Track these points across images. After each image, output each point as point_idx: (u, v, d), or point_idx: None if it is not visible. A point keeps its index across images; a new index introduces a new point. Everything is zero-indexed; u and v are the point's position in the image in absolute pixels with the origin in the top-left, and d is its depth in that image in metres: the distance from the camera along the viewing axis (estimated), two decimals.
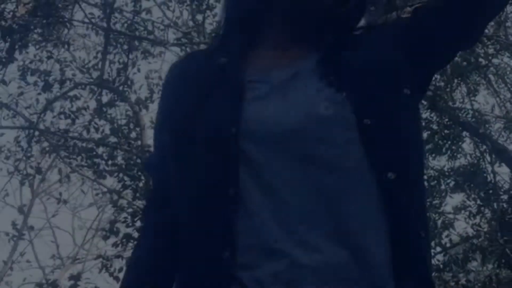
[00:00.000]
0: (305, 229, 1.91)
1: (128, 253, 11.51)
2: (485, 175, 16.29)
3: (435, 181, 16.22)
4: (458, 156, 17.14)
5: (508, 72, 19.88)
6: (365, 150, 1.99)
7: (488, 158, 16.64)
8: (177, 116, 2.16)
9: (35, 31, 12.43)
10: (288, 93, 2.06)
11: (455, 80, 16.51)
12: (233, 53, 2.22)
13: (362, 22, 2.36)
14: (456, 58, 16.24)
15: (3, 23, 11.32)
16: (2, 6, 12.27)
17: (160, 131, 2.31)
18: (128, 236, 11.77)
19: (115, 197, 14.22)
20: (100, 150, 12.52)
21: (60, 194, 15.57)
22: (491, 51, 17.73)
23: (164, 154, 2.20)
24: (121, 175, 12.89)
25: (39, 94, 13.29)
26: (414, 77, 2.17)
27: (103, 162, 12.56)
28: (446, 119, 15.32)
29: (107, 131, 13.65)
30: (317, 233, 1.90)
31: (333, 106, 2.00)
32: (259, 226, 1.93)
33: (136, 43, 12.85)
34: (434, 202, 15.43)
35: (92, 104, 13.44)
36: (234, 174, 1.96)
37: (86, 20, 13.05)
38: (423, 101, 14.38)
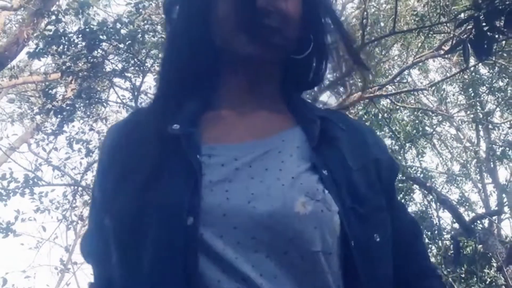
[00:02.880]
0: None
1: None
2: (431, 219, 16.34)
3: None
4: (410, 204, 17.22)
5: (448, 138, 20.11)
6: (343, 263, 1.50)
7: (434, 206, 16.70)
8: (122, 199, 1.51)
9: (80, 109, 12.53)
10: (257, 176, 1.50)
11: (407, 145, 16.66)
12: (187, 118, 1.61)
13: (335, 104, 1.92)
14: (408, 128, 16.52)
15: (55, 103, 11.44)
16: (55, 90, 12.43)
17: (100, 211, 1.61)
18: None
19: None
20: None
21: None
22: (435, 121, 17.99)
23: (104, 239, 1.56)
24: None
25: (82, 158, 13.31)
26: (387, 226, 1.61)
27: None
28: (400, 175, 15.43)
29: None
30: None
31: (313, 204, 1.46)
32: None
33: None
34: None
35: None
36: (192, 276, 1.40)
37: (119, 100, 13.13)
38: None
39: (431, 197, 16.00)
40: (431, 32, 12.96)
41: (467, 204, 18.09)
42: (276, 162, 1.54)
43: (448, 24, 12.02)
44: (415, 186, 16.23)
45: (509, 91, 16.12)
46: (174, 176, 1.48)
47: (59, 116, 11.47)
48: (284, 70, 1.76)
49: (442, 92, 17.77)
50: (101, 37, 10.72)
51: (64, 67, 10.79)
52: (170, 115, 1.60)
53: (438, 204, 16.02)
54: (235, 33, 1.62)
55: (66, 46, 10.67)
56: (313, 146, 1.58)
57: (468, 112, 17.72)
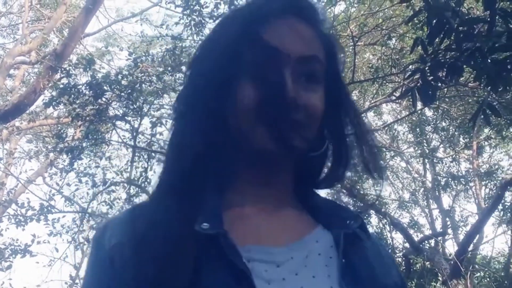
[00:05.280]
0: None
1: None
2: (385, 239, 16.35)
3: None
4: (367, 226, 17.27)
5: (399, 170, 20.16)
6: None
7: (388, 228, 16.70)
8: None
9: (87, 148, 12.56)
10: (308, 286, 1.19)
11: (364, 176, 16.70)
12: (212, 215, 1.24)
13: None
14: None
15: (66, 143, 11.45)
16: (66, 132, 12.46)
17: None
18: None
19: None
20: None
21: None
22: (388, 156, 17.99)
23: None
24: None
25: (89, 189, 13.25)
26: None
27: None
28: (359, 202, 15.40)
29: None
30: None
31: None
32: None
33: (153, 154, 12.91)
34: None
35: (123, 196, 13.53)
36: None
37: (120, 140, 13.16)
38: (343, 190, 14.61)
39: (385, 220, 15.99)
40: (384, 81, 13.01)
41: (416, 226, 18.11)
42: (321, 267, 1.24)
43: (398, 75, 12.09)
44: (372, 211, 16.23)
45: (451, 130, 16.20)
46: (219, 283, 1.13)
47: (69, 154, 11.54)
48: (296, 163, 1.40)
49: (394, 131, 17.86)
50: (105, 87, 10.90)
51: (74, 113, 10.90)
52: (193, 212, 1.23)
53: (391, 226, 16.01)
54: (255, 125, 1.27)
55: (75, 96, 10.79)
56: (342, 252, 1.27)
57: (416, 148, 17.78)
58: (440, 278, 13.10)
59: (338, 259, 1.25)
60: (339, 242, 1.27)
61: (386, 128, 16.90)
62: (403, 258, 14.34)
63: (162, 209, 1.25)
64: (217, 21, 1.48)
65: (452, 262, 13.00)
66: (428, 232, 18.26)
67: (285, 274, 1.18)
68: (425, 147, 17.10)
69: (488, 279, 15.48)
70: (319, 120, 1.35)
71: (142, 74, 11.55)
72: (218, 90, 1.30)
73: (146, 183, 13.09)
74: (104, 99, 11.11)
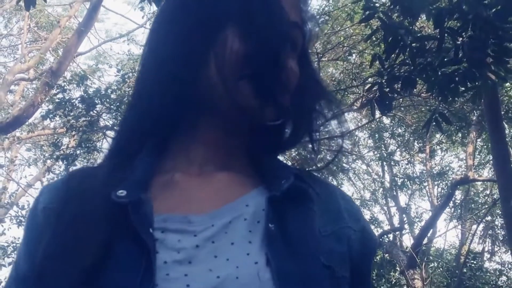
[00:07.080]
0: None
1: None
2: None
3: None
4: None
5: (360, 172, 20.21)
6: None
7: None
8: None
9: (80, 155, 12.51)
10: (222, 254, 0.94)
11: (329, 178, 16.69)
12: (135, 182, 1.00)
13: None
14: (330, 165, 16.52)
15: (61, 151, 11.39)
16: (61, 141, 12.39)
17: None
18: None
19: None
20: None
21: None
22: (350, 159, 18.00)
23: None
24: None
25: None
26: None
27: None
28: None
29: None
30: None
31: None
32: None
33: None
34: None
35: None
36: None
37: None
38: None
39: None
40: (346, 93, 13.04)
41: (376, 222, 18.11)
42: (243, 233, 0.98)
43: (358, 87, 12.14)
44: None
45: (406, 136, 16.29)
46: (123, 257, 0.91)
47: (65, 160, 11.50)
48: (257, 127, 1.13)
49: (355, 137, 17.89)
50: (96, 101, 10.95)
51: (68, 124, 10.93)
52: (118, 178, 1.01)
53: None
54: (239, 78, 1.02)
55: (69, 109, 10.85)
56: (274, 210, 1.00)
57: (375, 152, 17.85)
58: (398, 269, 13.15)
59: (265, 224, 0.99)
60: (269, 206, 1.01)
61: (348, 134, 16.94)
62: None
63: (98, 174, 1.05)
64: None
65: (408, 254, 13.04)
66: (386, 227, 18.29)
67: (200, 242, 0.95)
68: (383, 151, 17.16)
69: (441, 269, 15.53)
70: (293, 87, 1.10)
71: (130, 89, 11.55)
72: (197, 36, 1.05)
73: None
74: (95, 112, 11.13)
